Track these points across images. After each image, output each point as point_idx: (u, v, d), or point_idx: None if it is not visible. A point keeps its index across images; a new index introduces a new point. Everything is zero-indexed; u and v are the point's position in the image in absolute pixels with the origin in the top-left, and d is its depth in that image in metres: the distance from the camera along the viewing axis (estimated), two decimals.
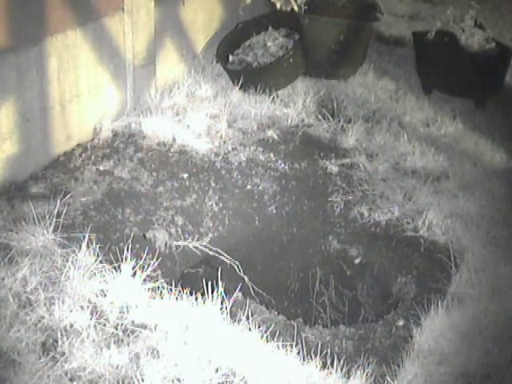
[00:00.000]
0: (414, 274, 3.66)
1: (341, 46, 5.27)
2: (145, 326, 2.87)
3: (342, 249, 3.99)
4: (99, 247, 3.19)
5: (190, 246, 3.60)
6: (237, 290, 3.33)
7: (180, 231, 3.71)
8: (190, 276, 3.68)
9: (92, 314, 2.88)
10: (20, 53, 3.52)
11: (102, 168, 3.89)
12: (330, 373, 2.83)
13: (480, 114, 5.31)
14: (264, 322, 3.08)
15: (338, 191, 4.15)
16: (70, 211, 3.46)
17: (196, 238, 3.73)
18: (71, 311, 2.86)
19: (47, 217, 3.25)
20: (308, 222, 4.11)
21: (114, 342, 2.77)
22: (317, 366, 2.84)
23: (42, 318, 2.81)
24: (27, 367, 2.57)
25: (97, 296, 2.97)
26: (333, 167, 4.33)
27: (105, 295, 2.98)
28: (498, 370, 2.93)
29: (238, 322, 2.97)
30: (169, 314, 2.94)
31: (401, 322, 3.26)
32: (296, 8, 5.27)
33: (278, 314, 3.29)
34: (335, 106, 4.99)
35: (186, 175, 4.03)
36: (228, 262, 3.51)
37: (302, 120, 4.75)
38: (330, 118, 4.77)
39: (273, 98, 4.88)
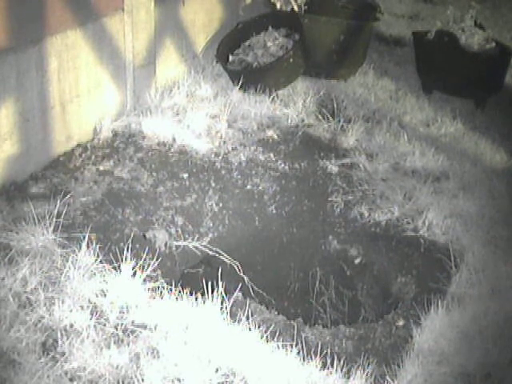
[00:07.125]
0: (413, 274, 3.66)
1: (341, 46, 5.28)
2: (145, 326, 2.87)
3: (341, 249, 3.99)
4: (99, 247, 3.19)
5: (190, 246, 3.60)
6: (237, 290, 3.33)
7: (180, 231, 3.71)
8: (189, 276, 3.69)
9: (92, 314, 2.88)
10: (20, 53, 3.52)
11: (102, 168, 3.89)
12: (330, 373, 2.82)
13: (480, 114, 5.31)
14: (264, 322, 3.08)
15: (338, 191, 4.15)
16: (69, 211, 3.46)
17: (196, 237, 3.73)
18: (71, 311, 2.85)
19: (47, 217, 3.24)
20: (308, 221, 4.11)
21: (114, 342, 2.77)
22: (317, 366, 2.83)
23: (42, 317, 2.81)
24: (27, 367, 2.57)
25: (97, 296, 2.97)
26: (333, 167, 4.33)
27: (105, 295, 2.98)
28: (498, 369, 2.93)
29: (238, 322, 2.97)
30: (169, 313, 2.94)
31: (401, 322, 3.26)
32: (296, 8, 5.27)
33: (278, 314, 3.29)
34: (335, 106, 4.99)
35: (186, 175, 4.03)
36: (228, 261, 3.51)
37: (302, 120, 4.74)
38: (330, 118, 4.77)
39: (273, 98, 4.88)
